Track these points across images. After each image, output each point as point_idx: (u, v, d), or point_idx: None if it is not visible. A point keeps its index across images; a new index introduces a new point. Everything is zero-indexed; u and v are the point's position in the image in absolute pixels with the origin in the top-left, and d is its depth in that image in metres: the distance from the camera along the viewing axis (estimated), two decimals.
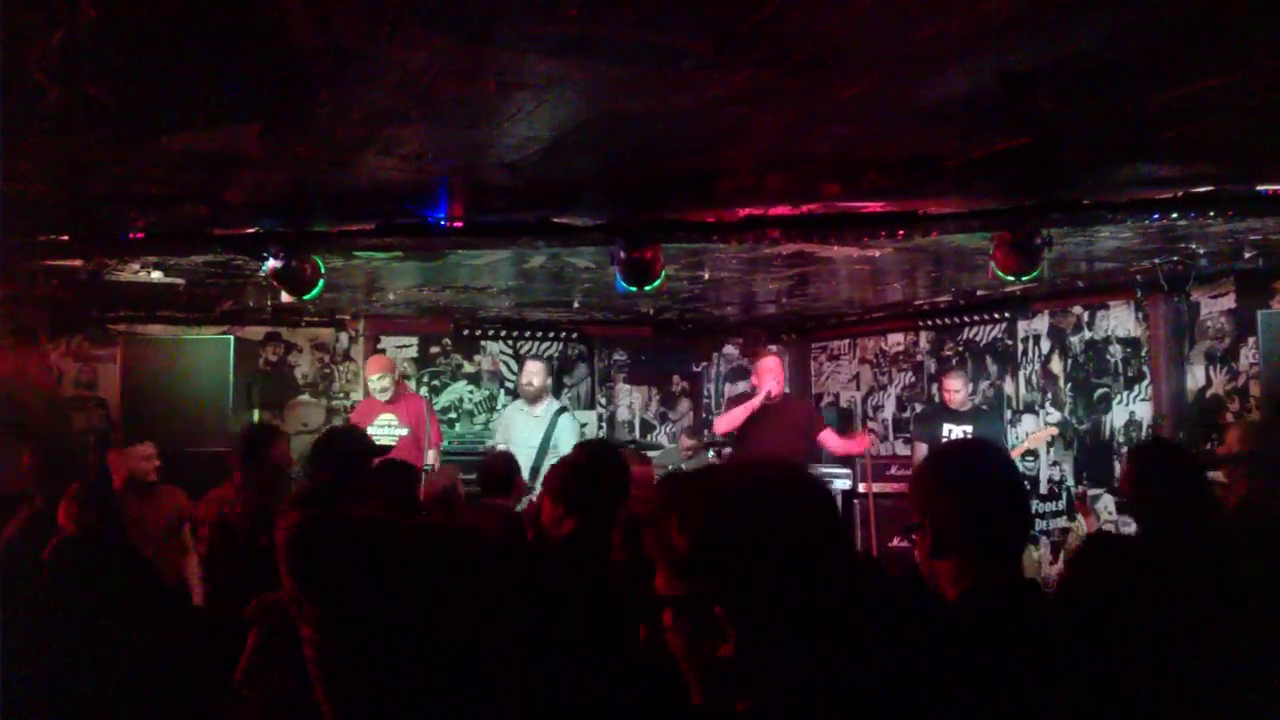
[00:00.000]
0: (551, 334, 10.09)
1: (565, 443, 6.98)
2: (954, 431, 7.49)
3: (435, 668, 1.39)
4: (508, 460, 5.53)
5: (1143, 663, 2.08)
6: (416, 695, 1.37)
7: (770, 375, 7.18)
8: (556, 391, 10.01)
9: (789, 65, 2.97)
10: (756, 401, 7.12)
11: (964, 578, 1.97)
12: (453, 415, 9.69)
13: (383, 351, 9.36)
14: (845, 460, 8.11)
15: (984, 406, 8.46)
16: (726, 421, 7.33)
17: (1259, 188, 4.62)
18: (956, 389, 7.65)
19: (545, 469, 6.79)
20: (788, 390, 7.81)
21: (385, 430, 7.12)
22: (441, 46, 2.78)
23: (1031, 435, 7.98)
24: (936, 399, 8.20)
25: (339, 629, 1.35)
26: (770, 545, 1.28)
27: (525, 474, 6.87)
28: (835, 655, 1.28)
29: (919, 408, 9.31)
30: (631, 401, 10.53)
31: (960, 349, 9.20)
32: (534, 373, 7.52)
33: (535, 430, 7.23)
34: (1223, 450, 5.41)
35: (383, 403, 7.32)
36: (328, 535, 1.46)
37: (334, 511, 2.73)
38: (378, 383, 7.37)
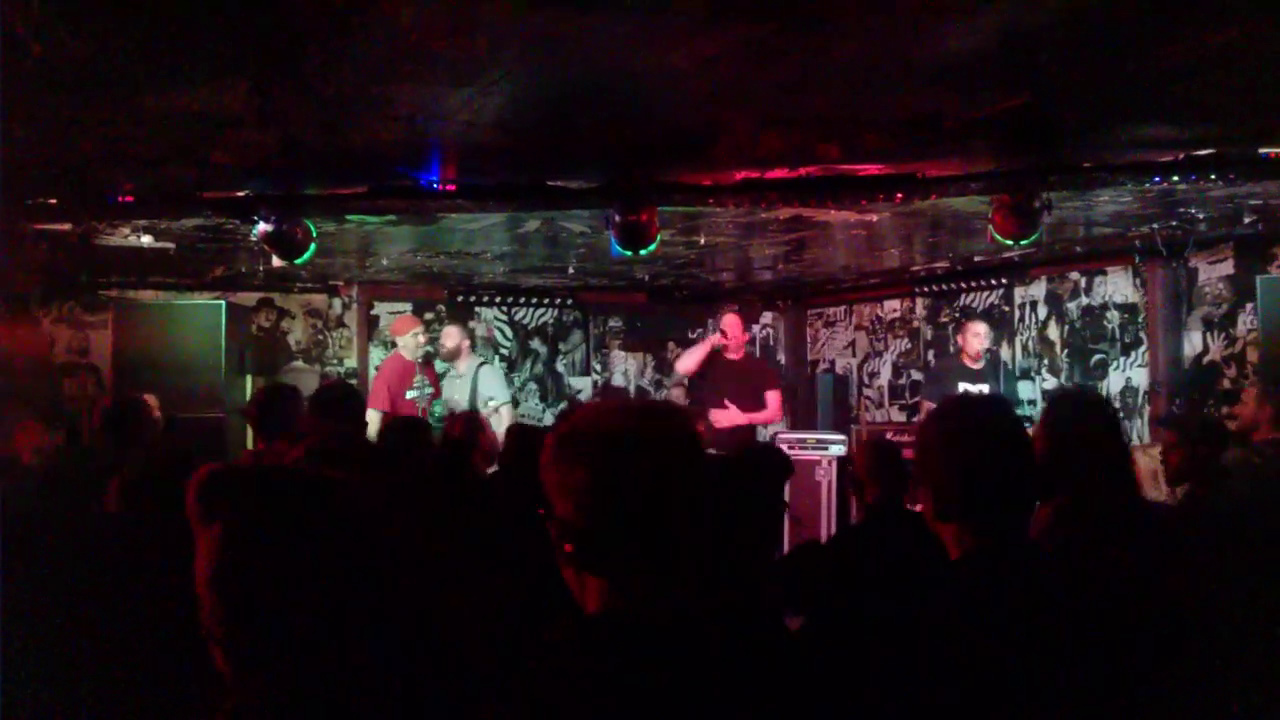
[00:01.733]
0: (546, 300, 10.05)
1: (493, 390, 7.38)
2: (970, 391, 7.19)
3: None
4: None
5: (1147, 637, 2.04)
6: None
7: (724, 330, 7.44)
8: (551, 358, 10.04)
9: (785, 21, 2.92)
10: (705, 346, 7.37)
11: (964, 541, 1.92)
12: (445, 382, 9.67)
13: (377, 317, 9.33)
14: (840, 426, 8.07)
15: (1001, 363, 8.30)
16: (682, 362, 7.64)
17: (1260, 150, 4.58)
18: (981, 333, 7.35)
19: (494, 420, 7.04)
20: (753, 351, 7.87)
21: (420, 392, 7.18)
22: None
23: None
24: (953, 352, 8.01)
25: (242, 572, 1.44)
26: (596, 485, 1.38)
27: None
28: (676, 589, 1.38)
29: (933, 361, 9.23)
30: (626, 368, 10.51)
31: (957, 315, 9.17)
32: (447, 335, 7.70)
33: (462, 389, 7.44)
34: (1240, 410, 5.37)
35: (412, 363, 7.33)
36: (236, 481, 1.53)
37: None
38: (412, 339, 7.34)
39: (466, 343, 7.62)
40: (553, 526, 1.42)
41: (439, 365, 7.77)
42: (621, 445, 1.40)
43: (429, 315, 9.38)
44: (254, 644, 1.40)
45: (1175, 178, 4.76)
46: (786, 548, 6.03)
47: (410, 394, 7.14)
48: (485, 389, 7.41)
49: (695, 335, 10.65)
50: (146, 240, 6.36)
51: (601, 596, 1.41)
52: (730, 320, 7.40)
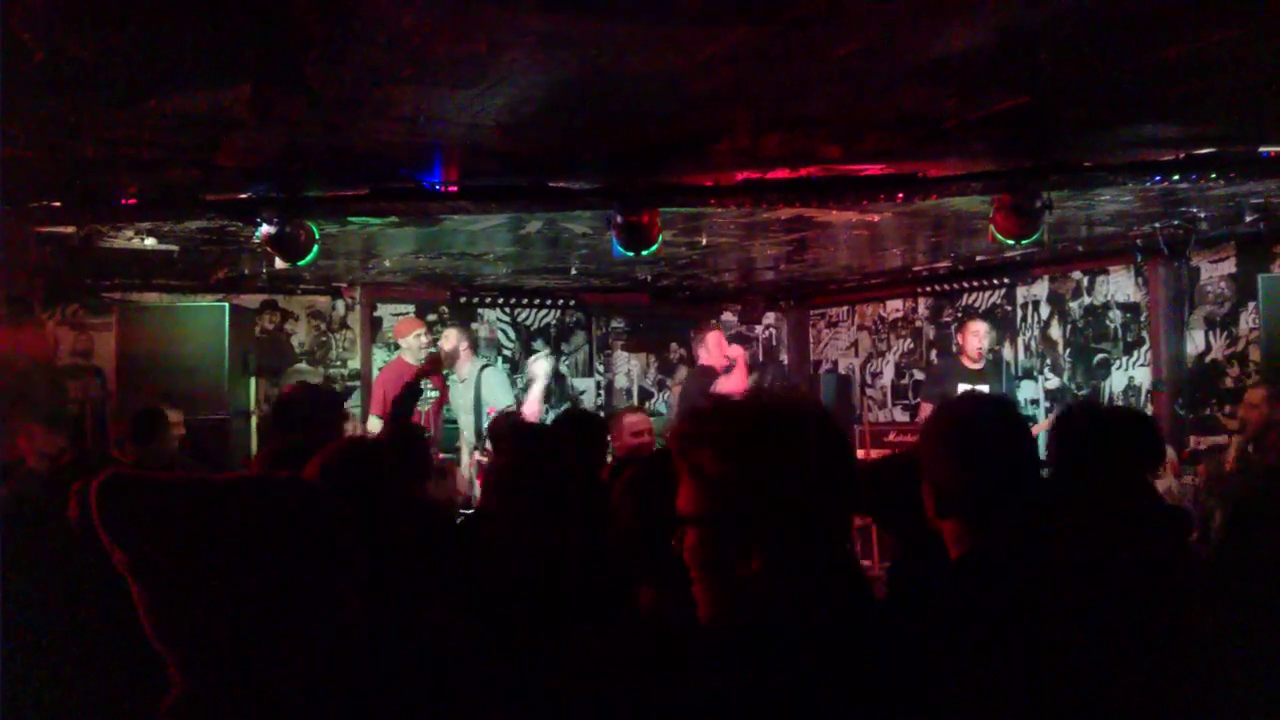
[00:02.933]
0: (549, 301, 10.06)
1: (496, 397, 7.20)
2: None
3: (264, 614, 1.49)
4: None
5: (1144, 637, 2.05)
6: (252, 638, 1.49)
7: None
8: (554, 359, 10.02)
9: (786, 21, 2.93)
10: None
11: (964, 540, 1.93)
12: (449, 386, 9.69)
13: (380, 319, 9.34)
14: (843, 426, 8.08)
15: (1004, 362, 8.30)
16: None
17: (1261, 149, 4.58)
18: (980, 332, 7.38)
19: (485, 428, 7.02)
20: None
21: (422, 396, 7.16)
22: (433, 2, 2.73)
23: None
24: (954, 351, 8.01)
25: (155, 577, 1.48)
26: (801, 473, 1.36)
27: (470, 436, 7.09)
28: (838, 587, 1.39)
29: (935, 361, 9.24)
30: (629, 368, 10.51)
31: (960, 315, 9.17)
32: (445, 338, 7.65)
33: (466, 393, 7.39)
34: (1248, 412, 5.38)
35: (414, 366, 7.33)
36: (134, 489, 1.57)
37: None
38: (415, 341, 7.36)
39: (465, 345, 7.54)
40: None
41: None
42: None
43: (431, 317, 9.39)
44: (175, 642, 1.43)
45: (1176, 177, 4.77)
46: None
47: None
48: (489, 393, 7.37)
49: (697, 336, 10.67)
50: (150, 243, 6.37)
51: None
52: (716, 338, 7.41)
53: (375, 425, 7.01)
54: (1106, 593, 1.92)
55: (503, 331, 9.95)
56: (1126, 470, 3.13)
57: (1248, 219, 6.27)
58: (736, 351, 7.57)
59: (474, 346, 7.87)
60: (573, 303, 10.16)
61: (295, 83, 3.43)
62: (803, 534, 1.36)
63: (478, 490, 6.13)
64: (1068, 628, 1.76)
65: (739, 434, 1.40)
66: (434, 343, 7.63)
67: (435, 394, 7.27)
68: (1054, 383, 8.35)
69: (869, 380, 10.24)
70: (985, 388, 7.25)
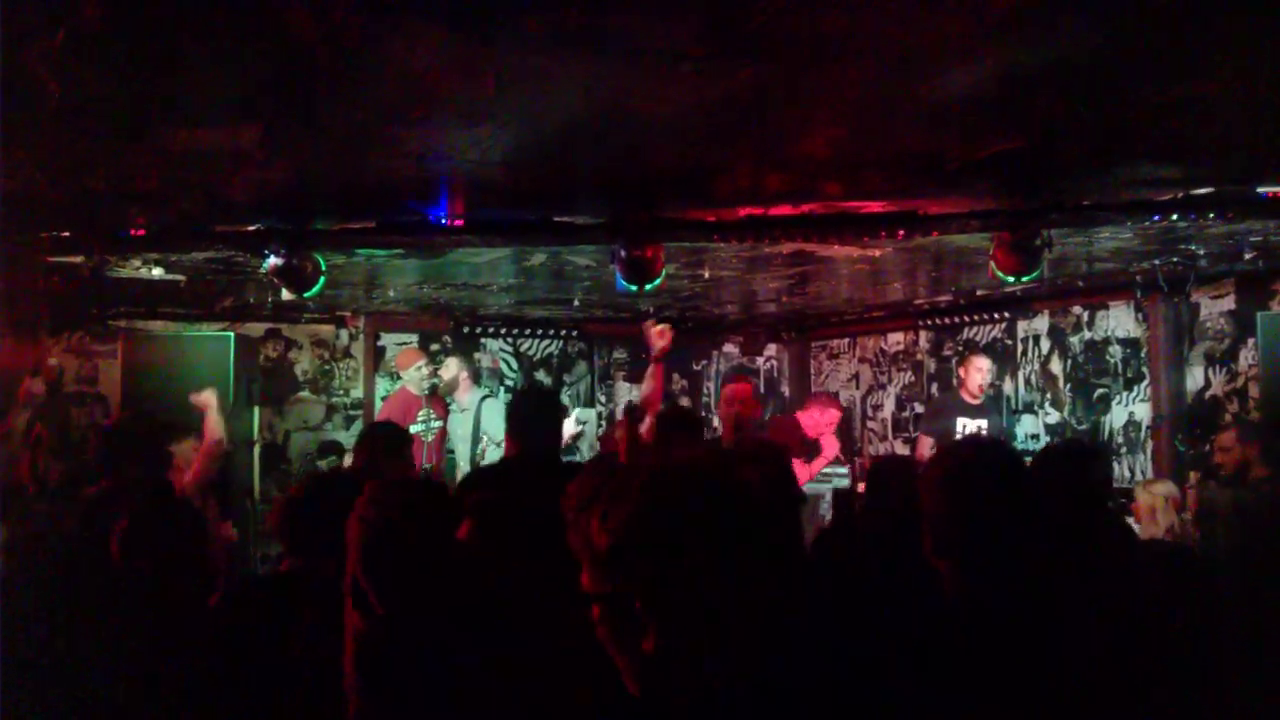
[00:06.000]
0: (552, 332, 10.09)
1: (494, 427, 7.16)
2: (968, 426, 7.29)
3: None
4: None
5: (1135, 678, 2.07)
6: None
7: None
8: (556, 388, 10.03)
9: (788, 65, 2.98)
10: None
11: (958, 581, 1.96)
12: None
13: (384, 348, 9.37)
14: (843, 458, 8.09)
15: (1004, 397, 8.31)
16: None
17: (1259, 189, 4.62)
18: (984, 368, 7.44)
19: (486, 456, 7.00)
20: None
21: (426, 425, 7.19)
22: (441, 43, 2.78)
23: None
24: (954, 385, 8.02)
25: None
26: (688, 544, 1.28)
27: (465, 465, 7.12)
28: (759, 654, 1.29)
29: (935, 394, 9.27)
30: (632, 399, 10.52)
31: (960, 349, 9.20)
32: (445, 367, 7.70)
33: (465, 422, 7.40)
34: (1224, 457, 5.43)
35: (418, 397, 7.37)
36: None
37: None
38: (416, 373, 7.39)
39: (465, 374, 7.57)
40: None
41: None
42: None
43: (435, 346, 9.42)
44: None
45: (1175, 216, 4.81)
46: None
47: (414, 428, 7.18)
48: (488, 423, 7.38)
49: (699, 367, 10.70)
50: (157, 272, 6.41)
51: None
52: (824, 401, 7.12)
53: None
54: (1096, 639, 1.94)
55: (505, 361, 9.98)
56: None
57: (1247, 256, 6.31)
58: (832, 419, 7.05)
59: (475, 376, 7.88)
60: (575, 333, 10.20)
61: (305, 121, 3.49)
62: (698, 608, 1.26)
63: None
64: (1053, 675, 1.78)
65: (623, 505, 1.30)
66: (435, 373, 7.67)
67: (439, 423, 7.30)
68: (1054, 417, 8.36)
69: (870, 413, 10.27)
70: (985, 422, 7.30)
